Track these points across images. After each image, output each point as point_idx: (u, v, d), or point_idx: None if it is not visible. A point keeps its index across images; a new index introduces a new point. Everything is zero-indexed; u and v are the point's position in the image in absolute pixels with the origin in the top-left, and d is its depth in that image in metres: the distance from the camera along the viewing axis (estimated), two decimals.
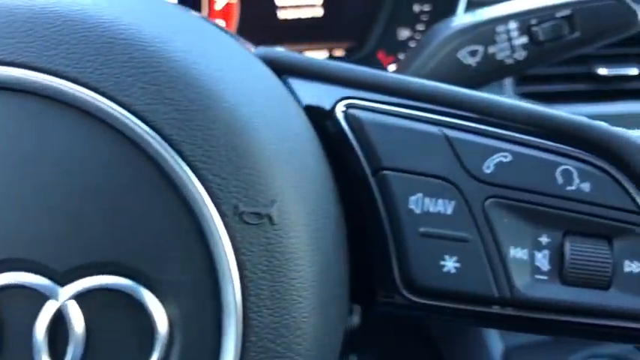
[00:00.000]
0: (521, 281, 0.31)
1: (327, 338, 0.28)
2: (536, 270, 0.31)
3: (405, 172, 0.32)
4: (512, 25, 0.50)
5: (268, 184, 0.25)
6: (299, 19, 0.91)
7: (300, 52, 0.93)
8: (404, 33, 0.89)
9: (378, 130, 0.33)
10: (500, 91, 0.85)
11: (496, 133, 0.32)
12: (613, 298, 0.31)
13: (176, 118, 0.23)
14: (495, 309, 0.31)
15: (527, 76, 0.87)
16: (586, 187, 0.31)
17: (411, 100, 0.33)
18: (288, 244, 0.25)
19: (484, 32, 0.51)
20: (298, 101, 0.34)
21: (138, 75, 0.24)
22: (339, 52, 0.93)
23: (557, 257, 0.31)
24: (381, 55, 0.90)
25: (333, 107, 0.34)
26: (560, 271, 0.31)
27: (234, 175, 0.24)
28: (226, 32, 0.35)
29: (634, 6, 0.49)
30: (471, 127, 0.33)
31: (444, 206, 0.32)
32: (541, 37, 0.49)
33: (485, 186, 0.32)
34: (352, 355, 0.83)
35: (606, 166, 0.32)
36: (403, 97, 0.34)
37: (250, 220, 0.24)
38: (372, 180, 0.32)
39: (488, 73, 0.51)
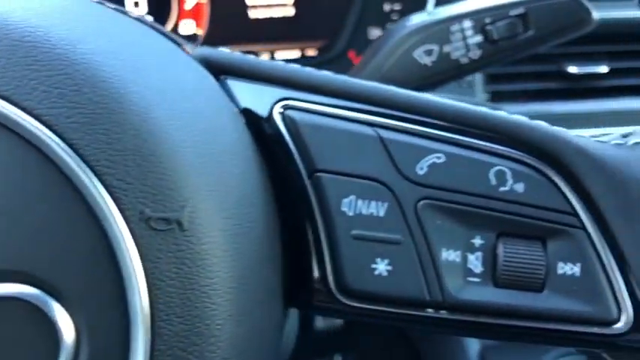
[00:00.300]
0: (453, 284, 0.30)
1: (250, 345, 0.27)
2: (469, 272, 0.31)
3: (339, 174, 0.32)
4: (467, 24, 0.50)
5: (178, 188, 0.24)
6: (270, 19, 0.91)
7: (272, 51, 0.93)
8: (374, 32, 0.88)
9: (313, 131, 0.32)
10: (470, 91, 0.85)
11: (430, 133, 0.32)
12: (546, 301, 0.30)
13: (80, 122, 0.23)
14: (430, 312, 0.31)
15: (498, 75, 0.87)
16: (520, 187, 0.31)
17: (348, 101, 0.33)
18: (199, 250, 0.24)
19: (439, 31, 0.50)
20: (235, 103, 0.33)
21: (41, 78, 0.23)
22: (311, 52, 0.93)
23: (491, 259, 0.31)
24: (351, 55, 0.90)
25: (271, 109, 0.33)
26: (494, 273, 0.31)
27: (141, 179, 0.23)
28: (159, 32, 0.34)
29: (587, 4, 0.49)
30: (406, 127, 0.32)
31: (376, 208, 0.31)
32: (495, 36, 0.49)
33: (418, 187, 0.31)
34: (337, 355, 0.82)
35: (541, 167, 0.31)
36: (340, 97, 0.33)
37: (158, 226, 0.23)
38: (307, 182, 0.32)
39: (444, 73, 0.51)
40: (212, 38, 0.90)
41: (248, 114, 0.33)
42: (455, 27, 0.50)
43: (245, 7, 0.90)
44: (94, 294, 0.23)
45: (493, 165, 0.31)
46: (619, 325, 0.30)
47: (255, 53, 0.92)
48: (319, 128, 0.32)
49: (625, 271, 0.30)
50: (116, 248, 0.23)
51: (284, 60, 0.93)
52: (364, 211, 0.31)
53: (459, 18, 0.50)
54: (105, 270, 0.23)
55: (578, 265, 0.30)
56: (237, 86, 0.34)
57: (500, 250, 0.31)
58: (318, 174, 0.32)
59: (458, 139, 0.32)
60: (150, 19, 0.35)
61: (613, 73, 0.84)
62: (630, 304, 0.30)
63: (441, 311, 0.31)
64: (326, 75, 0.34)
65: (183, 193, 0.24)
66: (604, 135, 0.34)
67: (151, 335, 0.23)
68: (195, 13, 0.90)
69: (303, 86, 0.33)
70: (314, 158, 0.32)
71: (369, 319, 0.32)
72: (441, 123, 0.32)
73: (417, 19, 0.53)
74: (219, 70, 0.34)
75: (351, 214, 0.31)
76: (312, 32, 0.92)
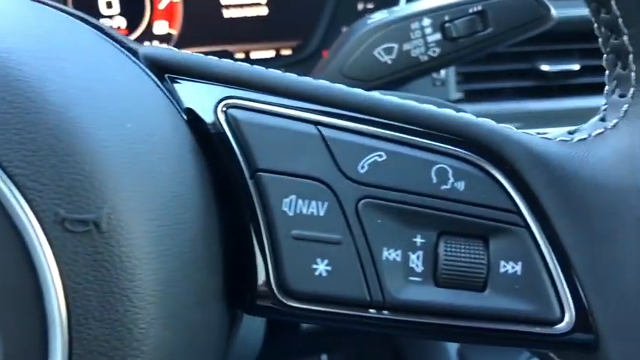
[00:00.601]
0: (394, 284, 0.30)
1: (180, 347, 0.27)
2: (410, 272, 0.30)
3: (280, 173, 0.31)
4: (426, 21, 0.49)
5: (95, 189, 0.23)
6: (244, 19, 0.90)
7: (247, 51, 0.92)
8: None
9: (255, 130, 0.32)
10: (444, 90, 0.85)
11: (372, 131, 0.31)
12: (488, 300, 0.30)
13: None
14: (372, 313, 0.30)
15: (471, 74, 0.87)
16: (461, 185, 0.30)
17: (291, 99, 0.32)
18: (119, 252, 0.24)
19: (399, 29, 0.50)
20: (177, 102, 0.33)
21: None
22: (285, 51, 0.92)
23: (432, 258, 0.30)
24: (325, 54, 0.89)
25: (215, 108, 0.32)
26: (435, 272, 0.30)
27: (56, 180, 0.23)
28: (98, 30, 0.33)
29: (546, 1, 0.48)
30: (348, 126, 0.32)
31: (317, 208, 0.31)
32: (454, 34, 0.49)
33: (358, 186, 0.31)
34: (323, 355, 0.82)
35: (484, 164, 0.31)
36: (283, 95, 0.33)
37: (73, 228, 0.23)
38: (249, 182, 0.31)
39: (404, 71, 0.51)
40: (186, 38, 0.90)
41: (191, 113, 0.33)
42: (414, 25, 0.49)
43: (219, 6, 0.90)
44: (9, 298, 0.23)
45: (435, 163, 0.31)
46: (562, 325, 0.30)
47: (231, 53, 0.92)
48: (261, 127, 0.32)
49: (568, 270, 0.30)
50: (31, 251, 0.22)
51: (259, 59, 0.93)
52: (304, 211, 0.31)
53: (418, 16, 0.49)
54: (20, 273, 0.23)
55: (520, 263, 0.30)
56: (181, 85, 0.33)
57: (442, 249, 0.30)
58: (260, 173, 0.31)
59: (400, 137, 0.31)
60: (86, 15, 0.34)
61: (585, 70, 0.83)
62: (573, 303, 0.30)
63: (383, 312, 0.30)
64: (270, 73, 0.33)
65: (101, 194, 0.24)
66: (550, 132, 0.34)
67: (69, 339, 0.23)
68: (168, 14, 0.89)
69: (246, 84, 0.33)
70: (256, 157, 0.31)
71: (312, 320, 0.32)
72: (383, 121, 0.32)
73: (377, 16, 0.52)
74: (164, 69, 0.33)
75: (291, 214, 0.30)
76: (287, 32, 0.91)
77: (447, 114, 0.32)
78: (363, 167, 0.31)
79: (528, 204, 0.30)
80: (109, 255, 0.23)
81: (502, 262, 0.30)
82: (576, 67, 0.83)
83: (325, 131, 0.32)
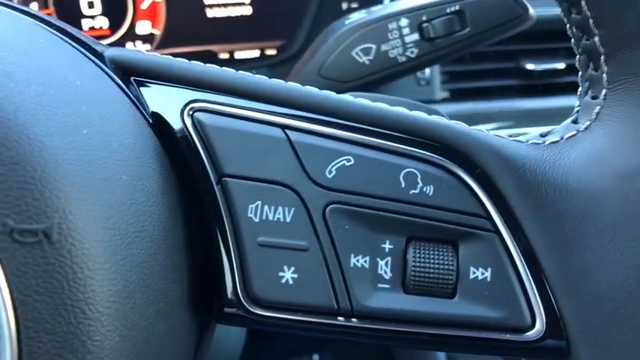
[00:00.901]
0: (361, 291, 0.29)
1: (142, 359, 0.26)
2: (379, 279, 0.30)
3: (247, 178, 0.30)
4: (404, 22, 0.49)
5: (46, 198, 0.23)
6: (228, 18, 0.90)
7: (232, 51, 0.92)
8: None
9: (221, 135, 0.31)
10: (429, 89, 0.84)
11: (341, 135, 0.31)
12: (458, 307, 0.29)
13: None
14: (340, 320, 0.30)
15: (457, 73, 0.86)
16: (430, 190, 0.30)
17: (259, 102, 0.32)
18: (71, 263, 0.23)
19: (376, 30, 0.50)
20: (143, 106, 0.32)
21: None
22: (270, 51, 0.92)
23: (401, 265, 0.30)
24: None
25: (181, 111, 0.32)
26: (403, 279, 0.30)
27: (4, 189, 0.22)
28: (63, 33, 0.33)
29: (524, 0, 0.48)
30: (316, 129, 0.31)
31: (283, 214, 0.30)
32: (432, 34, 0.48)
33: (326, 192, 0.30)
34: (315, 354, 0.81)
35: (454, 168, 0.30)
36: (251, 98, 0.32)
37: (22, 239, 0.22)
38: (216, 188, 0.30)
39: (382, 71, 0.50)
40: (169, 38, 0.89)
41: (157, 117, 0.32)
42: (392, 25, 0.49)
43: (203, 6, 0.89)
44: None
45: (403, 167, 0.30)
46: (532, 331, 0.29)
47: (215, 53, 0.91)
48: (228, 131, 0.31)
49: (538, 276, 0.29)
50: None
51: (243, 59, 0.92)
52: (271, 217, 0.30)
53: (395, 16, 0.49)
54: None
55: (490, 269, 0.29)
56: (147, 88, 0.33)
57: (410, 255, 0.30)
58: (226, 179, 0.30)
59: (368, 140, 0.31)
60: (54, 18, 0.33)
61: (570, 69, 0.83)
62: (544, 309, 0.29)
63: (352, 319, 0.30)
64: (238, 75, 0.33)
65: (51, 203, 0.23)
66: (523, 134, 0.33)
67: (18, 353, 0.22)
68: (151, 14, 0.88)
69: (214, 87, 0.32)
70: (222, 162, 0.31)
71: (280, 328, 0.31)
72: (352, 124, 0.31)
73: (355, 17, 0.52)
74: (130, 72, 0.33)
75: (257, 220, 0.30)
76: (271, 31, 0.91)
77: (417, 117, 0.31)
78: (330, 172, 0.30)
79: (498, 208, 0.30)
80: (60, 266, 0.23)
81: (472, 268, 0.29)
82: (562, 65, 0.82)
83: (293, 135, 0.31)
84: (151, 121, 0.32)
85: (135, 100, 0.32)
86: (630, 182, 0.28)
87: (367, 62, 0.50)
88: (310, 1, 0.87)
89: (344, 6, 0.86)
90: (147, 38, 0.89)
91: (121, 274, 0.25)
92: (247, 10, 0.89)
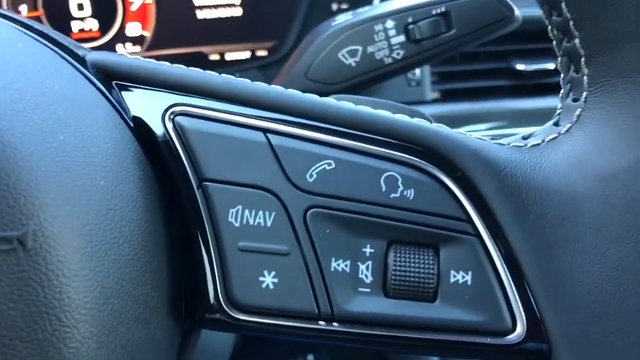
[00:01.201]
0: (342, 295, 0.29)
1: None
2: (360, 283, 0.30)
3: (227, 183, 0.30)
4: (390, 23, 0.49)
5: (20, 205, 0.22)
6: (219, 19, 0.89)
7: (222, 52, 0.91)
8: None
9: (202, 139, 0.31)
10: (419, 90, 0.84)
11: (322, 138, 0.31)
12: (439, 311, 0.29)
13: None
14: (322, 324, 0.30)
15: (448, 73, 0.86)
16: (410, 193, 0.30)
17: (241, 105, 0.32)
18: (47, 270, 0.23)
19: (362, 31, 0.49)
20: (125, 110, 0.32)
21: None
22: (261, 52, 0.91)
23: (381, 269, 0.30)
24: None
25: (163, 115, 0.32)
26: (384, 283, 0.30)
27: None
28: (44, 37, 0.32)
29: (509, 1, 0.48)
30: (297, 133, 0.31)
31: (264, 218, 0.30)
32: (418, 35, 0.48)
33: (307, 195, 0.30)
34: (309, 355, 0.81)
35: (435, 171, 0.30)
36: (232, 102, 0.32)
37: None
38: (197, 192, 0.30)
39: (368, 73, 0.50)
40: (159, 40, 0.89)
41: (138, 121, 0.32)
42: (378, 27, 0.49)
43: (193, 7, 0.89)
44: None
45: (384, 171, 0.30)
46: (513, 335, 0.29)
47: (205, 55, 0.91)
48: (209, 135, 0.31)
49: (519, 279, 0.29)
50: None
51: (234, 61, 0.92)
52: (251, 222, 0.30)
53: (381, 18, 0.49)
54: None
55: (470, 273, 0.29)
56: (129, 92, 0.32)
57: (391, 258, 0.30)
58: (207, 183, 0.30)
59: (349, 144, 0.31)
60: (31, 21, 0.33)
61: None
62: (524, 313, 0.29)
63: (333, 324, 0.30)
64: (219, 79, 0.33)
65: (26, 210, 0.23)
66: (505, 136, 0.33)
67: None
68: (141, 15, 0.88)
69: (196, 91, 0.32)
70: (203, 167, 0.31)
71: (262, 333, 0.31)
72: (333, 127, 0.31)
73: (341, 18, 0.52)
74: (112, 76, 0.33)
75: (237, 224, 0.30)
76: (262, 32, 0.90)
77: (398, 120, 0.31)
78: (311, 176, 0.30)
79: (479, 212, 0.30)
80: (34, 273, 0.23)
81: (452, 272, 0.29)
82: (552, 66, 0.82)
83: (274, 139, 0.31)
84: (132, 125, 0.32)
85: (116, 104, 0.32)
86: (610, 185, 0.28)
87: (354, 64, 0.50)
88: (300, 2, 0.87)
89: (334, 7, 0.86)
90: (137, 40, 0.89)
91: (97, 281, 0.25)
92: (237, 12, 0.89)
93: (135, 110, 0.32)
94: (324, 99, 0.32)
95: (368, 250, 0.30)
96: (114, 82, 0.33)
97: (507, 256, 0.29)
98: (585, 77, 0.30)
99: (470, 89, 0.86)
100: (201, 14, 0.89)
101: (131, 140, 0.31)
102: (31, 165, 0.24)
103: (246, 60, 0.91)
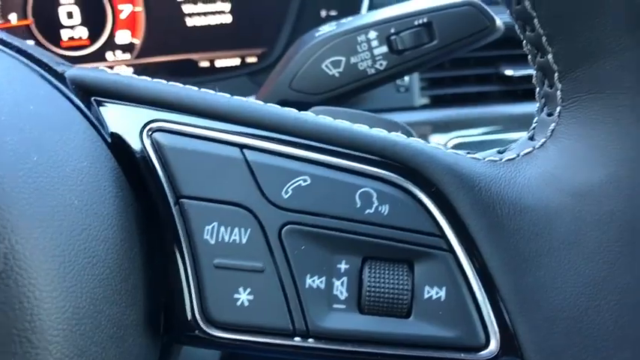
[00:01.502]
0: (317, 312, 0.29)
1: None
2: (334, 299, 0.30)
3: (203, 199, 0.30)
4: (372, 34, 0.49)
5: None
6: (208, 26, 0.89)
7: (212, 59, 0.92)
8: None
9: (179, 155, 0.31)
10: (408, 96, 0.84)
11: (298, 154, 0.31)
12: (413, 327, 0.29)
13: None
14: (297, 341, 0.30)
15: (437, 79, 0.86)
16: (385, 209, 0.30)
17: (218, 121, 0.32)
18: (18, 293, 0.23)
19: (345, 42, 0.50)
20: (103, 126, 0.32)
21: None
22: (251, 59, 0.92)
23: (356, 285, 0.30)
24: None
25: (141, 132, 0.32)
26: (359, 299, 0.30)
27: None
28: (22, 54, 0.32)
29: (490, 11, 0.48)
30: (274, 148, 0.31)
31: (239, 235, 0.30)
32: (400, 46, 0.48)
33: (282, 212, 0.30)
34: None
35: (410, 187, 0.30)
36: (210, 117, 0.32)
37: None
38: (174, 209, 0.30)
39: (352, 84, 0.50)
40: (149, 47, 0.89)
41: (117, 138, 0.32)
42: (361, 38, 0.49)
43: (182, 15, 0.89)
44: None
45: (359, 187, 0.30)
46: (486, 350, 0.29)
47: (195, 62, 0.91)
48: (186, 152, 0.31)
49: (493, 295, 0.29)
50: None
51: (224, 68, 0.92)
52: (227, 239, 0.30)
53: (364, 28, 0.49)
54: None
55: (444, 289, 0.29)
56: (107, 108, 0.33)
57: (366, 275, 0.30)
58: (183, 200, 0.30)
59: (325, 159, 0.31)
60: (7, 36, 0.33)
61: None
62: (498, 328, 0.29)
63: (308, 340, 0.30)
64: (197, 94, 0.33)
65: None
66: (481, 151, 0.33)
67: None
68: (130, 23, 0.88)
69: (173, 106, 0.32)
70: (179, 184, 0.31)
71: (239, 349, 0.31)
72: (309, 143, 0.31)
73: (325, 29, 0.52)
74: (91, 92, 0.33)
75: (213, 242, 0.30)
76: (251, 39, 0.91)
77: (374, 135, 0.31)
78: (287, 192, 0.30)
79: (453, 227, 0.30)
80: (5, 296, 0.23)
81: (426, 288, 0.30)
82: None
83: (250, 155, 0.31)
84: (110, 141, 0.32)
85: (94, 121, 0.32)
86: (582, 201, 0.29)
87: (337, 75, 0.50)
88: (289, 8, 0.87)
89: (323, 13, 0.86)
90: (127, 48, 0.89)
91: (70, 302, 0.25)
92: (227, 19, 0.89)
93: (113, 126, 0.32)
94: (302, 113, 0.32)
95: (343, 266, 0.30)
96: (92, 98, 0.33)
97: (481, 271, 0.29)
98: (559, 92, 0.31)
99: (459, 95, 0.86)
100: (190, 21, 0.89)
101: (108, 157, 0.31)
102: (3, 188, 0.24)
103: (236, 67, 0.91)
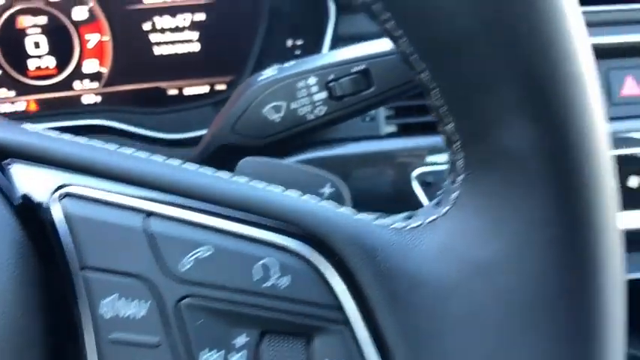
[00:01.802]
0: None
1: None
2: None
3: (105, 270, 0.30)
4: (312, 80, 0.49)
5: None
6: (176, 55, 0.89)
7: (181, 87, 0.91)
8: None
9: (83, 223, 0.31)
10: (374, 125, 0.84)
11: (203, 222, 0.31)
12: None
13: None
14: None
15: (405, 107, 0.86)
16: (285, 282, 0.30)
17: (126, 185, 0.32)
18: None
19: (286, 87, 0.49)
20: (13, 190, 0.32)
21: None
22: (220, 86, 0.91)
23: None
24: None
25: (50, 196, 0.32)
26: None
27: None
28: None
29: None
30: (178, 215, 0.31)
31: (137, 308, 0.30)
32: (339, 92, 0.48)
33: (181, 285, 0.30)
34: None
35: (312, 256, 0.30)
36: (119, 180, 0.32)
37: None
38: (77, 280, 0.30)
39: (291, 129, 0.50)
40: (117, 76, 0.89)
41: (27, 202, 0.32)
42: (301, 83, 0.49)
43: (149, 44, 0.89)
44: None
45: (260, 257, 0.30)
46: None
47: (163, 90, 0.91)
48: (89, 220, 0.31)
49: None
50: None
51: (193, 96, 0.91)
52: (124, 313, 0.30)
53: (304, 74, 0.49)
54: None
55: None
56: (20, 171, 0.32)
57: (264, 350, 0.29)
58: (86, 271, 0.30)
59: (229, 227, 0.31)
60: None
61: None
62: None
63: None
64: (109, 156, 0.32)
65: None
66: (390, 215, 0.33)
67: None
68: (98, 52, 0.88)
69: (86, 170, 0.32)
70: (83, 253, 0.30)
71: None
72: (215, 210, 0.31)
73: (267, 73, 0.52)
74: (5, 153, 0.33)
75: (109, 315, 0.30)
76: (220, 67, 0.90)
77: (282, 200, 0.31)
78: (188, 263, 0.30)
79: (354, 298, 0.30)
80: None
81: None
82: None
83: (154, 223, 0.31)
84: (18, 205, 0.32)
85: (4, 183, 0.32)
86: (475, 277, 0.28)
87: (278, 120, 0.50)
88: (255, 38, 0.87)
89: (289, 43, 0.86)
90: (94, 77, 0.89)
91: None
92: (195, 47, 0.89)
93: (23, 189, 0.32)
94: (214, 175, 0.32)
95: (241, 340, 0.30)
96: (3, 161, 0.33)
97: (379, 345, 0.29)
98: (461, 161, 0.30)
99: (427, 123, 0.86)
100: (158, 50, 0.89)
101: (10, 226, 0.31)
102: None
103: (205, 95, 0.91)
